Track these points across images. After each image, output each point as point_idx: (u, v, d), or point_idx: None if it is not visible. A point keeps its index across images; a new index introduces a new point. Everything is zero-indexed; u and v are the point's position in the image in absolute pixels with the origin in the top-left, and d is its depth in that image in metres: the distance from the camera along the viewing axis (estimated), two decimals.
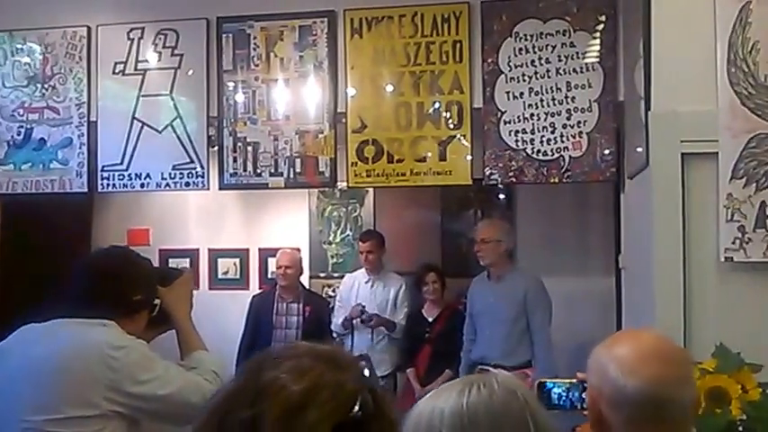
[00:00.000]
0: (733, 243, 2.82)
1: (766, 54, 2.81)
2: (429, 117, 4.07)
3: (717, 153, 2.85)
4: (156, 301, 2.28)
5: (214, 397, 1.21)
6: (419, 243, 5.97)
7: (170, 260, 6.18)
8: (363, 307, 5.28)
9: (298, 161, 4.22)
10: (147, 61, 4.43)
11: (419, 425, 1.27)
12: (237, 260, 6.14)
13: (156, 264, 6.01)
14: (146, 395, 2.07)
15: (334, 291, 6.00)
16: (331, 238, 6.09)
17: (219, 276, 6.18)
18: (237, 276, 6.11)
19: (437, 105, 4.06)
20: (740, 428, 2.25)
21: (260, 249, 5.99)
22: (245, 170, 4.29)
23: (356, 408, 1.15)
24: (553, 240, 5.71)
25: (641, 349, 1.59)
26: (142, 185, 4.44)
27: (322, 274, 6.21)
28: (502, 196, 5.83)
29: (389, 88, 4.11)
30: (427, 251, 5.83)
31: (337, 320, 5.47)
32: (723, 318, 2.83)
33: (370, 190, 5.88)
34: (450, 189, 5.33)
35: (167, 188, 4.43)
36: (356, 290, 5.46)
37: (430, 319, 5.24)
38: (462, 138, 4.03)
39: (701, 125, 2.87)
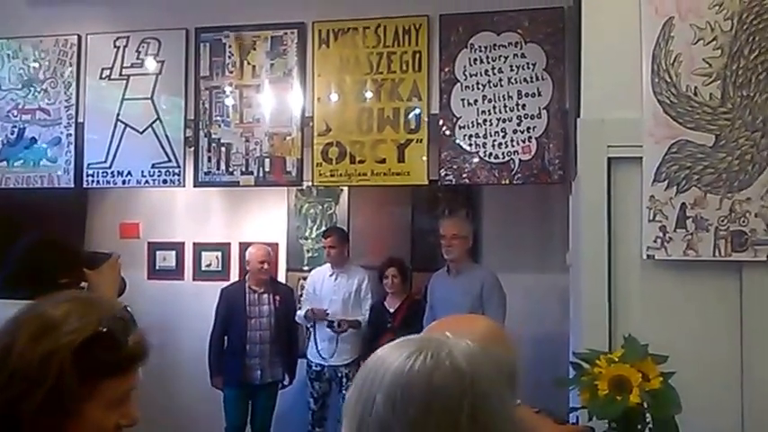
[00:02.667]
0: (655, 242, 2.81)
1: (687, 66, 2.80)
2: (390, 122, 4.08)
3: (641, 158, 2.84)
4: (84, 284, 2.29)
5: None
6: (390, 239, 5.96)
7: (157, 252, 6.21)
8: (327, 314, 5.30)
9: (267, 161, 4.24)
10: (131, 67, 4.45)
11: (364, 377, 1.11)
12: (219, 253, 6.14)
13: (144, 256, 6.12)
14: None
15: None
16: (307, 234, 6.08)
17: (203, 268, 6.19)
18: (219, 268, 6.11)
19: (418, 112, 4.05)
20: (646, 415, 2.26)
21: (240, 243, 5.98)
22: (218, 169, 4.31)
23: (102, 327, 1.27)
24: (515, 238, 5.71)
25: (496, 330, 1.60)
26: (124, 182, 4.47)
27: (305, 268, 6.19)
28: (468, 196, 5.82)
29: (353, 95, 4.12)
30: (398, 247, 5.82)
31: (301, 313, 5.49)
32: (645, 312, 2.83)
33: (345, 189, 5.88)
34: (420, 189, 5.34)
35: (146, 185, 4.46)
36: (321, 283, 5.48)
37: (391, 310, 5.25)
38: (419, 141, 4.04)
39: (627, 131, 2.86)
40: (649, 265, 2.83)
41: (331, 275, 5.46)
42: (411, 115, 4.06)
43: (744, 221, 2.71)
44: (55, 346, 1.22)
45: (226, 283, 5.62)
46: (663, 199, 2.81)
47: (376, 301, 5.38)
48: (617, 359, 2.24)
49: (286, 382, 5.43)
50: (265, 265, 5.41)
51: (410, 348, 1.11)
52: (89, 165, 4.49)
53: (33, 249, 2.33)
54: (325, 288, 5.42)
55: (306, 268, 6.10)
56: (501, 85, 3.94)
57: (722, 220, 2.73)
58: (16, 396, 1.19)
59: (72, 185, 4.54)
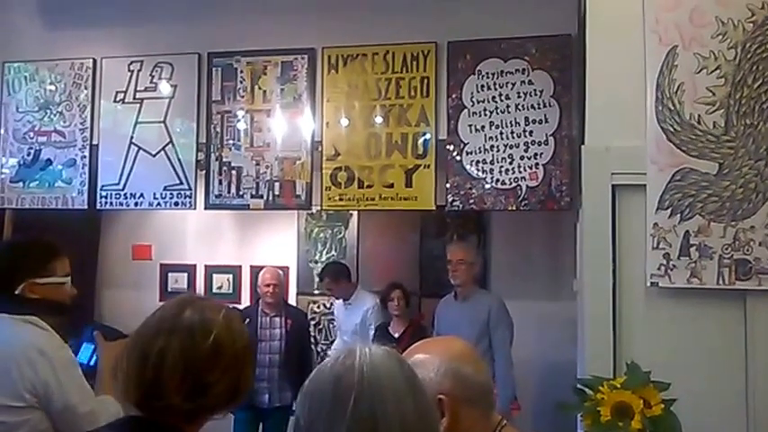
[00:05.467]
0: (658, 269, 2.81)
1: (691, 94, 2.81)
2: (398, 147, 4.10)
3: (645, 185, 2.85)
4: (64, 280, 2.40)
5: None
6: (399, 264, 5.97)
7: (169, 274, 6.24)
8: None
9: (277, 185, 4.26)
10: (144, 91, 4.50)
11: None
12: (231, 276, 6.17)
13: (156, 277, 6.14)
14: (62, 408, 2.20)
15: (319, 307, 6.03)
16: (317, 258, 6.09)
17: (214, 290, 6.21)
18: (230, 291, 6.14)
19: (427, 137, 4.07)
20: None
21: (251, 266, 6.01)
22: (228, 192, 4.34)
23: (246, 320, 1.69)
24: (524, 265, 5.70)
25: (467, 349, 1.62)
26: (136, 204, 4.49)
27: (315, 292, 6.20)
28: (477, 222, 5.82)
29: (362, 120, 4.14)
30: (406, 272, 5.83)
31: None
32: (649, 340, 2.82)
33: (355, 214, 5.91)
34: (429, 214, 5.35)
35: (158, 207, 4.48)
36: (339, 312, 5.54)
37: (396, 335, 5.23)
38: (427, 167, 4.06)
39: (631, 159, 2.87)
40: (653, 292, 2.83)
41: (344, 307, 5.51)
42: (420, 139, 4.07)
43: (748, 250, 2.71)
44: (246, 339, 1.64)
45: (238, 306, 5.62)
46: (667, 227, 2.81)
47: (380, 324, 5.37)
48: (619, 386, 2.23)
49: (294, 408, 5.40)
50: (271, 289, 5.38)
51: (332, 356, 1.28)
52: (103, 187, 4.53)
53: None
54: (340, 316, 5.49)
55: (316, 292, 6.12)
56: (508, 112, 3.94)
57: (726, 249, 2.73)
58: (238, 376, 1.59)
59: (86, 207, 4.57)
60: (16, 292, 2.32)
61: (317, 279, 6.11)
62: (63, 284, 2.44)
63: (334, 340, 5.93)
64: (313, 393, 1.21)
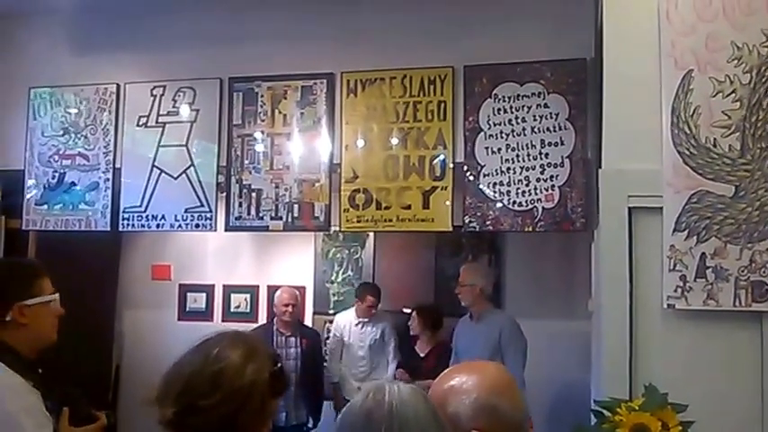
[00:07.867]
0: (675, 291, 2.80)
1: (706, 118, 2.82)
2: (416, 169, 4.12)
3: (661, 208, 2.85)
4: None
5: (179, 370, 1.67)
6: (414, 283, 5.97)
7: (188, 294, 6.26)
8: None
9: (296, 207, 4.29)
10: (167, 115, 4.55)
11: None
12: (248, 295, 6.19)
13: (175, 297, 6.16)
14: None
15: None
16: (333, 278, 6.11)
17: (232, 310, 6.23)
18: (248, 310, 6.16)
19: (442, 158, 4.09)
20: None
21: (269, 286, 6.03)
22: (248, 214, 4.36)
23: (279, 364, 1.72)
24: (539, 284, 5.69)
25: (506, 381, 1.60)
26: (158, 226, 4.52)
27: (330, 311, 6.21)
28: (491, 242, 5.82)
29: (380, 142, 4.17)
30: (422, 291, 5.83)
31: (331, 369, 5.52)
32: (665, 361, 2.80)
33: (371, 234, 5.92)
34: (444, 235, 5.35)
35: (179, 229, 4.51)
36: (348, 330, 5.51)
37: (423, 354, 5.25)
38: (444, 188, 4.08)
39: (647, 182, 2.88)
40: (670, 314, 2.82)
41: (357, 324, 5.49)
42: (436, 161, 4.08)
43: (764, 272, 2.70)
44: (256, 377, 1.64)
45: (255, 325, 5.64)
46: (683, 249, 2.80)
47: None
48: (637, 407, 2.23)
49: (310, 425, 5.41)
50: (290, 309, 5.39)
51: (362, 392, 1.37)
52: (125, 209, 4.56)
53: None
54: (353, 336, 5.46)
55: (331, 311, 6.12)
56: (524, 135, 3.96)
57: (742, 271, 2.72)
58: (236, 409, 1.60)
59: (108, 229, 4.60)
60: (7, 318, 2.19)
61: (333, 299, 6.13)
62: (50, 303, 2.30)
63: None
64: (346, 426, 1.31)
